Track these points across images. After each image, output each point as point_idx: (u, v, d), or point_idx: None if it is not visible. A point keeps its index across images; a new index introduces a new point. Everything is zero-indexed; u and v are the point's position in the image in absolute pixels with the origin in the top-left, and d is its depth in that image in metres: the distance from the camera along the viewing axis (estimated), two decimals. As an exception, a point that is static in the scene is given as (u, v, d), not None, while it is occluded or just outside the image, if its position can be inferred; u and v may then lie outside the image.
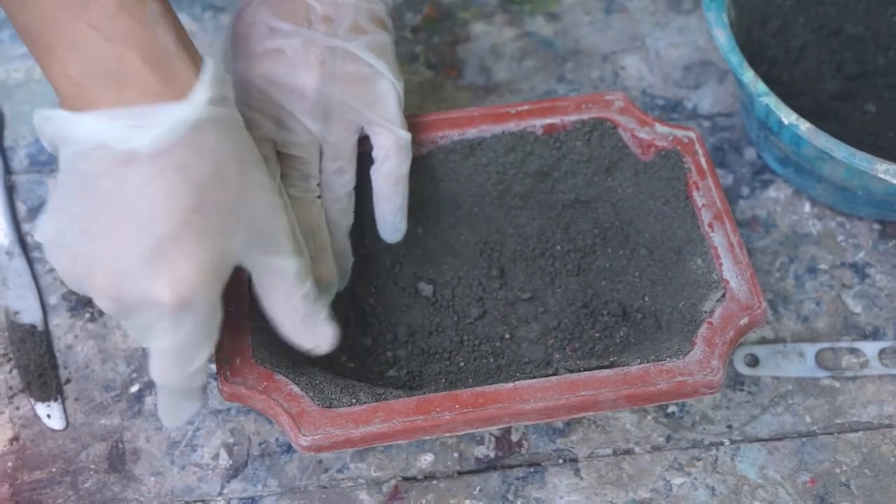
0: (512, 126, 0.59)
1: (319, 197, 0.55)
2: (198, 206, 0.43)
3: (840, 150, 0.55)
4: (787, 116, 0.57)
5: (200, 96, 0.43)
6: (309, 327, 0.49)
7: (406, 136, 0.55)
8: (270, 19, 0.53)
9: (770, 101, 0.57)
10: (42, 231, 0.45)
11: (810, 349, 0.59)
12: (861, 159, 0.55)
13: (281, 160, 0.53)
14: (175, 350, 0.45)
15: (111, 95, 0.43)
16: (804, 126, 0.56)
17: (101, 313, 0.61)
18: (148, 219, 0.42)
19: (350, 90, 0.53)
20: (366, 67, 0.54)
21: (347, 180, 0.55)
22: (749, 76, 0.58)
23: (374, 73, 0.54)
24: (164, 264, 0.42)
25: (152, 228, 0.42)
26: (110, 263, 0.43)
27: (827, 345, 0.59)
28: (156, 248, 0.42)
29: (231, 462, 0.56)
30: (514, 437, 0.56)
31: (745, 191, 0.66)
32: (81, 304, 0.61)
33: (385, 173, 0.55)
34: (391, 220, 0.56)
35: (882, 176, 0.55)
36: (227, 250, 0.45)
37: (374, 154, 0.55)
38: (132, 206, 0.42)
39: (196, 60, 0.45)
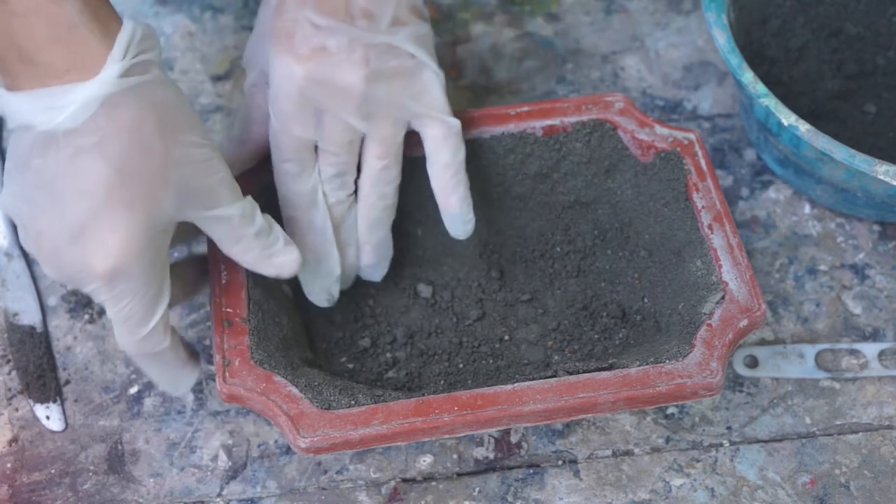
0: (512, 127, 0.59)
1: (353, 193, 0.55)
2: (118, 180, 0.44)
3: (840, 152, 0.55)
4: (787, 118, 0.57)
5: (109, 72, 0.44)
6: (267, 259, 0.51)
7: (456, 123, 0.55)
8: (313, 15, 0.52)
9: (770, 102, 0.57)
10: (3, 200, 0.47)
11: (810, 350, 0.59)
12: (861, 161, 0.55)
13: (319, 156, 0.53)
14: (121, 317, 0.46)
15: (26, 74, 0.43)
16: (804, 127, 0.56)
17: (100, 315, 0.61)
18: (72, 198, 0.44)
19: (396, 86, 0.53)
20: (409, 60, 0.54)
21: (394, 176, 0.55)
22: (748, 77, 0.58)
23: (417, 64, 0.54)
24: (92, 239, 0.44)
25: (77, 207, 0.44)
26: (48, 237, 0.45)
27: (827, 346, 0.59)
28: (83, 224, 0.44)
29: (230, 463, 0.56)
30: (514, 439, 0.56)
31: (744, 192, 0.66)
32: (81, 306, 0.61)
33: (443, 164, 0.55)
34: (458, 212, 0.56)
35: (882, 177, 0.55)
36: (158, 215, 0.46)
37: (426, 147, 0.55)
38: (58, 185, 0.44)
39: (109, 29, 0.45)
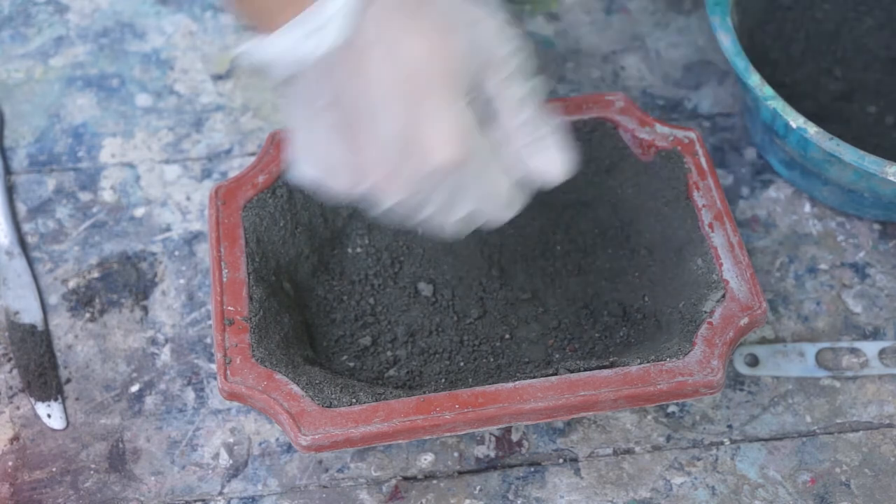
0: (512, 126, 0.59)
1: None
2: (433, 49, 0.42)
3: (849, 153, 0.55)
4: (795, 120, 0.56)
5: None
6: (537, 150, 0.47)
7: None
8: None
9: (777, 104, 0.57)
10: (300, 172, 0.46)
11: (810, 349, 0.59)
12: (871, 162, 0.55)
13: None
14: (479, 200, 0.45)
15: (279, 8, 0.42)
16: (812, 129, 0.56)
17: (101, 313, 0.61)
18: (383, 100, 0.42)
19: None
20: None
21: None
22: (755, 80, 0.58)
23: None
24: (426, 131, 0.42)
25: (398, 108, 0.42)
26: (380, 162, 0.43)
27: (827, 345, 0.59)
28: (411, 123, 0.42)
29: (231, 462, 0.56)
30: (515, 437, 0.56)
31: (745, 191, 0.66)
32: (81, 304, 0.61)
33: None
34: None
35: (892, 178, 0.54)
36: (466, 82, 0.43)
37: None
38: (362, 100, 0.42)
39: None
